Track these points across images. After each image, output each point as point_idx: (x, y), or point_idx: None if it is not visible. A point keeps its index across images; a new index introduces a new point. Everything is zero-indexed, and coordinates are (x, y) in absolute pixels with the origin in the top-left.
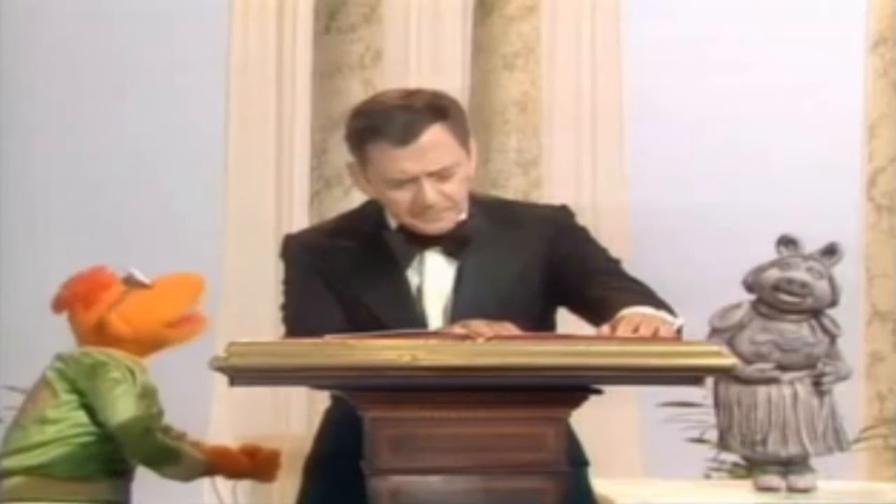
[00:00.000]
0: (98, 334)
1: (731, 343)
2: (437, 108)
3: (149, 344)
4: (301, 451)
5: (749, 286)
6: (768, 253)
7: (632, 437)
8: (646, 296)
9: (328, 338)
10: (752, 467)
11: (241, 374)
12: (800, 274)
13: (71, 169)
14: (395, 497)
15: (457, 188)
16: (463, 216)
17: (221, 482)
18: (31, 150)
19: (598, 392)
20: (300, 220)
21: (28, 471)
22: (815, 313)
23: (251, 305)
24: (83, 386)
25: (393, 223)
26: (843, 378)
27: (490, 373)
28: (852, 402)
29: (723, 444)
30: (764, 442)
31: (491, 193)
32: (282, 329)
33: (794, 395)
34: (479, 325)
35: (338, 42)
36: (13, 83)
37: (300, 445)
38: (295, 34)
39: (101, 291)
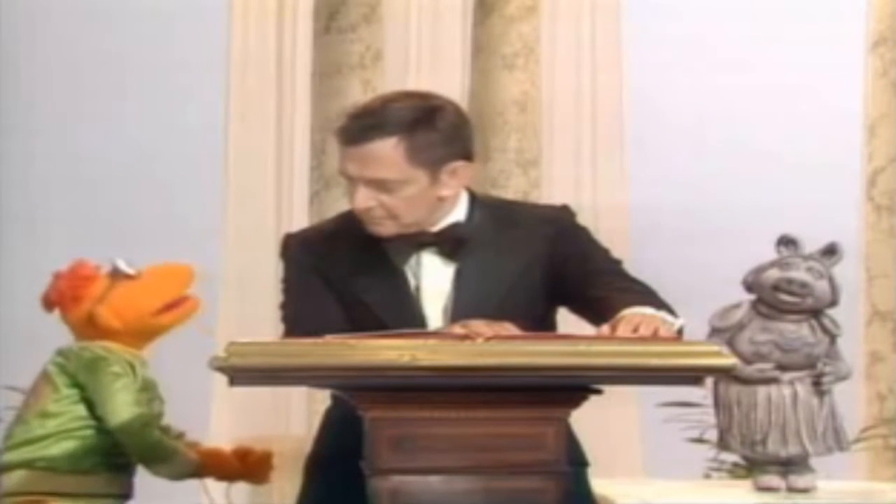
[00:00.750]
0: (91, 328)
1: (730, 343)
2: (401, 123)
3: (142, 334)
4: (301, 452)
5: (749, 286)
6: (768, 253)
7: (632, 437)
8: (647, 296)
9: (328, 338)
10: (752, 467)
11: (241, 374)
12: (800, 274)
13: (71, 169)
14: (394, 497)
15: (400, 203)
16: (459, 217)
17: (217, 484)
18: (31, 150)
19: (598, 392)
20: (300, 220)
21: (30, 464)
22: (815, 313)
23: (251, 305)
24: (83, 380)
25: None
26: (842, 378)
27: (490, 373)
28: (852, 402)
29: (723, 444)
30: (764, 442)
31: (491, 193)
32: (281, 328)
33: (794, 395)
34: (479, 325)
35: (338, 42)
36: (13, 83)
37: (300, 446)
38: (295, 34)
39: (86, 286)
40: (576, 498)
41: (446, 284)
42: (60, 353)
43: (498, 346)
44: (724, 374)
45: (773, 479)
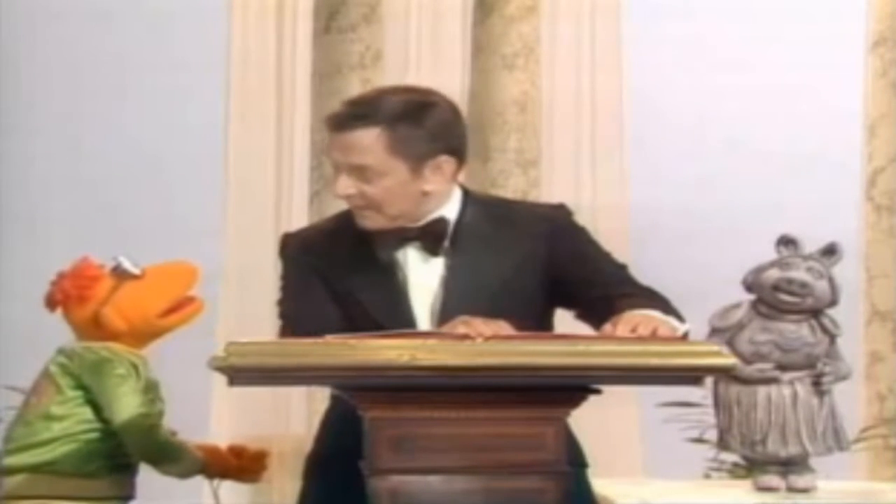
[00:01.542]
0: (95, 328)
1: (730, 343)
2: (387, 114)
3: (146, 335)
4: (301, 451)
5: (749, 286)
6: (768, 253)
7: (632, 437)
8: (655, 301)
9: (328, 338)
10: (752, 467)
11: (241, 373)
12: (800, 274)
13: (71, 169)
14: (394, 497)
15: (380, 193)
16: (447, 213)
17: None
18: (31, 150)
19: (598, 392)
20: (300, 220)
21: (34, 468)
22: (815, 313)
23: (251, 305)
24: (88, 382)
25: None
26: (842, 378)
27: (490, 373)
28: (852, 402)
29: (722, 443)
30: (763, 442)
31: (491, 193)
32: (279, 325)
33: (794, 395)
34: (480, 325)
35: (338, 42)
36: (13, 83)
37: (300, 445)
38: (295, 34)
39: (92, 286)
40: (576, 499)
41: (434, 281)
42: (63, 353)
43: (498, 346)
44: (724, 374)
45: (772, 479)
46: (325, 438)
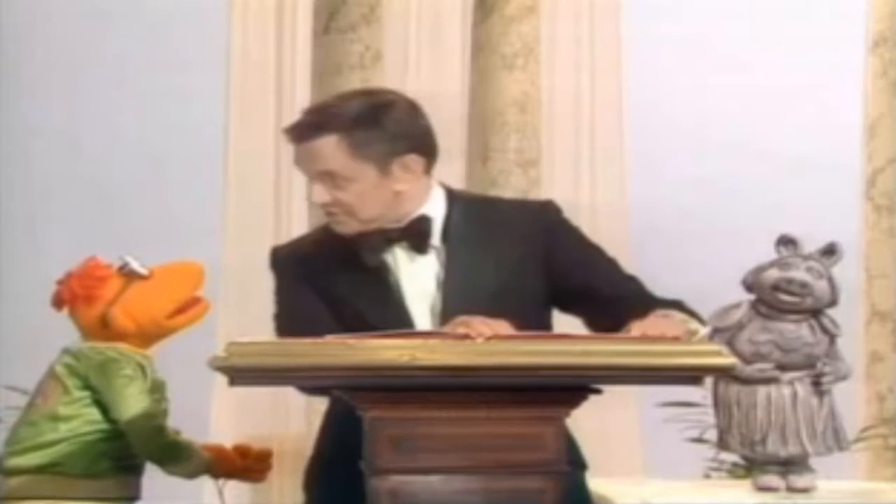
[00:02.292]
0: (102, 329)
1: (730, 343)
2: (342, 121)
3: (153, 336)
4: (301, 450)
5: (749, 286)
6: (768, 253)
7: (632, 436)
8: (674, 304)
9: (328, 338)
10: (752, 467)
11: (241, 374)
12: (799, 274)
13: (71, 169)
14: (394, 497)
15: (353, 199)
16: (428, 212)
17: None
18: (31, 150)
19: (598, 392)
20: (300, 220)
21: (41, 469)
22: (815, 313)
23: (251, 305)
24: (95, 382)
25: None
26: (842, 378)
27: (490, 372)
28: (852, 401)
29: (722, 443)
30: (763, 442)
31: (490, 193)
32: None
33: (794, 395)
34: (480, 325)
35: (337, 42)
36: (13, 83)
37: (300, 444)
38: (294, 34)
39: (100, 286)
40: (574, 501)
41: (430, 283)
42: (69, 353)
43: (498, 345)
44: (724, 374)
45: (772, 479)
46: (326, 441)
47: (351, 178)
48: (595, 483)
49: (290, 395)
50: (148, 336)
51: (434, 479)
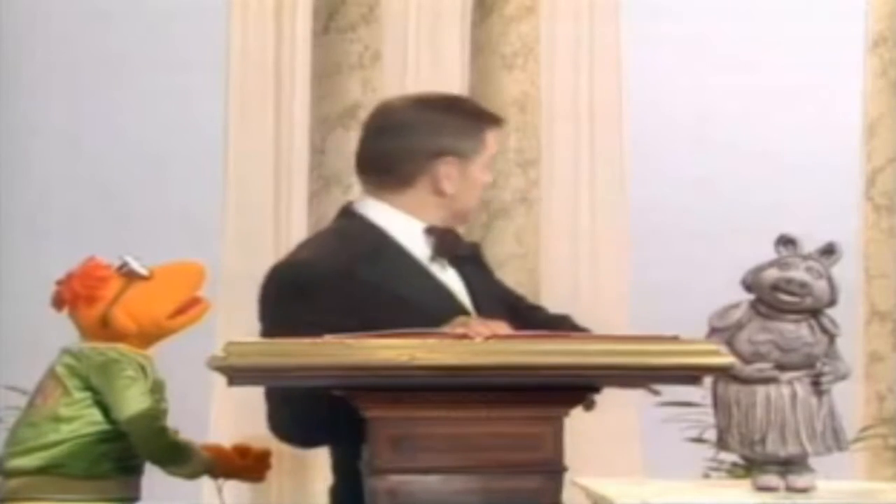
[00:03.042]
0: (102, 329)
1: (729, 342)
2: None
3: (153, 336)
4: (300, 452)
5: (748, 286)
6: (768, 253)
7: (631, 436)
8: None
9: (327, 337)
10: (751, 467)
11: (240, 373)
12: (799, 274)
13: (71, 169)
14: (393, 497)
15: None
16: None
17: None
18: (31, 150)
19: (598, 391)
20: (299, 220)
21: (42, 470)
22: (814, 313)
23: (251, 305)
24: (96, 383)
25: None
26: (842, 378)
27: (489, 372)
28: (851, 401)
29: (721, 443)
30: (763, 441)
31: (490, 193)
32: None
33: (793, 395)
34: (478, 325)
35: (337, 42)
36: (13, 83)
37: None
38: (294, 34)
39: (101, 287)
40: None
41: (456, 282)
42: (69, 353)
43: (497, 345)
44: (723, 374)
45: (772, 479)
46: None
47: None
48: (595, 483)
49: None
50: (148, 336)
51: (433, 479)
